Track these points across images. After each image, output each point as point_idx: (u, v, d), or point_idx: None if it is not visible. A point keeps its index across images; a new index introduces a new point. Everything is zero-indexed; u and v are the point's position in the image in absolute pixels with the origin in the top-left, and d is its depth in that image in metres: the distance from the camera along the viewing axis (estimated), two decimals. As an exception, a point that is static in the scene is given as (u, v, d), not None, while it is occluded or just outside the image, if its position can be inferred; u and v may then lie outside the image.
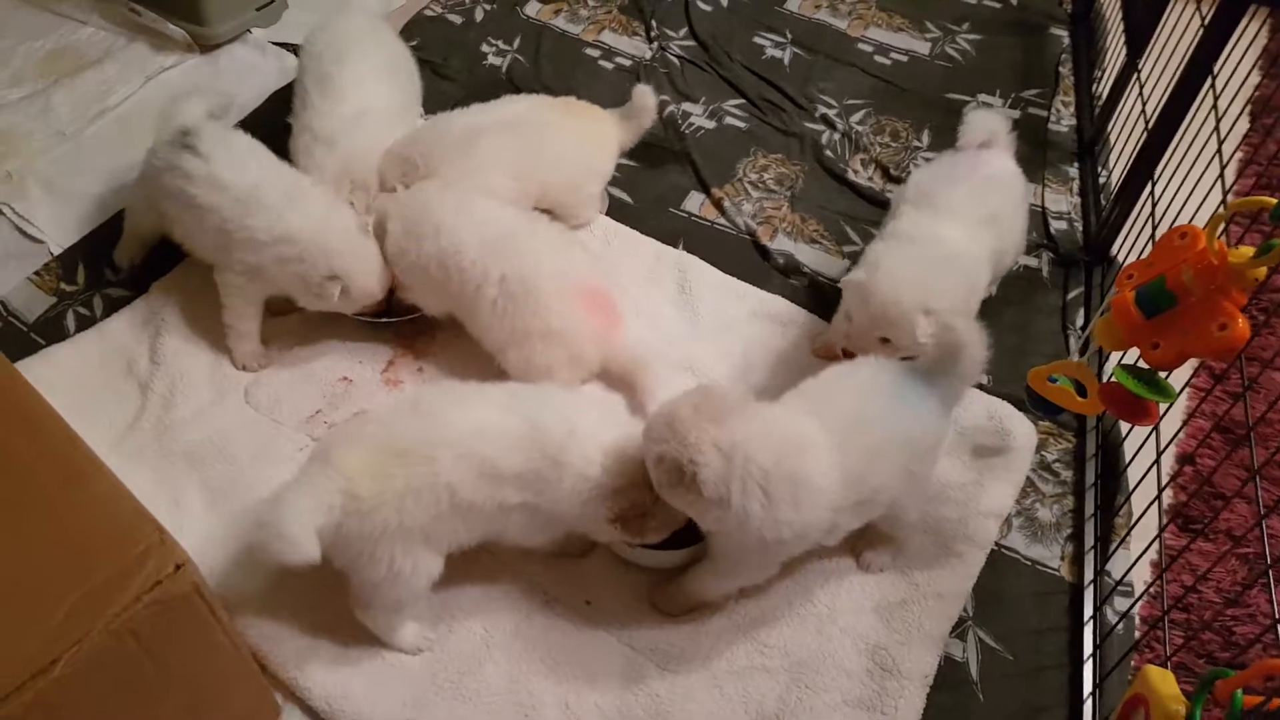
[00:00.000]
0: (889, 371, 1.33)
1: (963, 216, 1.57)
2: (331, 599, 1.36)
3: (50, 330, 1.73)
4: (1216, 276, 1.15)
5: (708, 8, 2.44)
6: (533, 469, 1.23)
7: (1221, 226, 1.17)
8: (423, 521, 1.21)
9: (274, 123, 1.96)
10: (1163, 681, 1.07)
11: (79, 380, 1.64)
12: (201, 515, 1.47)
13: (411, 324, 1.71)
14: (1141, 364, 1.27)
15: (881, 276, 1.48)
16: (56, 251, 1.85)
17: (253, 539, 1.18)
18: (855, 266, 1.57)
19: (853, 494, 1.24)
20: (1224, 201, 1.31)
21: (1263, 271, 1.14)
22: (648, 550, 1.38)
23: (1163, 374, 1.26)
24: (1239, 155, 2.02)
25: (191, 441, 1.56)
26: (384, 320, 1.70)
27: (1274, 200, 1.10)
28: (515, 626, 1.39)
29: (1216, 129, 1.46)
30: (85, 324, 1.73)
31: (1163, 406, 1.30)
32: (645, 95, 1.91)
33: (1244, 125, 2.02)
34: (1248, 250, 1.14)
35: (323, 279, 1.55)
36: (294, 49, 2.28)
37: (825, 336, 1.69)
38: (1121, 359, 1.42)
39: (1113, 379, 1.28)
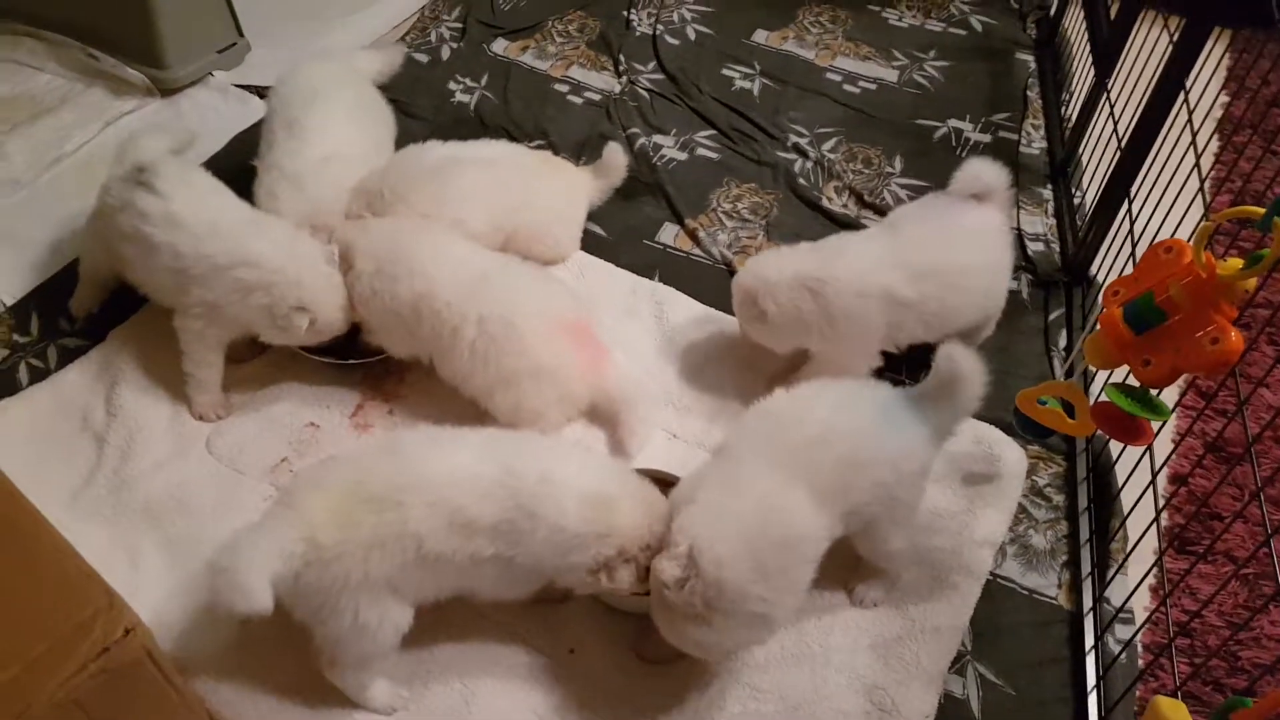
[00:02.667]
0: (873, 390, 1.31)
1: (898, 251, 1.55)
2: (299, 657, 1.29)
3: (2, 384, 1.65)
4: (1205, 290, 1.13)
5: (675, 42, 2.44)
6: (506, 519, 1.17)
7: (1207, 239, 1.15)
8: (389, 573, 1.14)
9: (237, 166, 1.91)
10: (1174, 712, 1.02)
11: (32, 435, 1.57)
12: (161, 573, 1.39)
13: (380, 366, 1.66)
14: (1132, 382, 1.24)
15: (743, 268, 1.61)
16: (9, 302, 1.78)
17: (207, 586, 1.11)
18: None
19: (836, 510, 1.21)
20: (1206, 214, 1.29)
21: (1253, 283, 1.11)
22: (633, 596, 1.32)
23: (1154, 391, 1.23)
24: (1212, 175, 2.03)
25: (150, 495, 1.49)
26: (351, 363, 1.64)
27: (1261, 209, 1.08)
28: (496, 682, 1.31)
29: (1193, 142, 1.45)
30: (39, 376, 1.66)
31: (1156, 425, 1.27)
32: (616, 153, 1.92)
33: (1214, 145, 2.04)
34: (1236, 262, 1.12)
35: (290, 309, 1.49)
36: (258, 91, 2.25)
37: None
38: (1109, 378, 1.39)
39: (1104, 398, 1.24)
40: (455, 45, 2.41)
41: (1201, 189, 1.38)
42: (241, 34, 2.30)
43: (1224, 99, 2.21)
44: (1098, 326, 1.25)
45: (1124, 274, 1.36)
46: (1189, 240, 1.18)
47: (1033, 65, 2.40)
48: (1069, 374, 1.63)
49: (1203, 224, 1.15)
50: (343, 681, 1.24)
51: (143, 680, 0.95)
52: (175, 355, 1.63)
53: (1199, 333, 1.13)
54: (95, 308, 1.75)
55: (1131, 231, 1.65)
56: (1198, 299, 1.14)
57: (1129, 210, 1.70)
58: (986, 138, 2.21)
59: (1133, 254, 1.61)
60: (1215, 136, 2.04)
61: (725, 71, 2.36)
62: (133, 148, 1.64)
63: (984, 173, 1.61)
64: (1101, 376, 1.57)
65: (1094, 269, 1.86)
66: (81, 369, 1.66)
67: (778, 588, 1.16)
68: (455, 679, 1.31)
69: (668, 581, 1.14)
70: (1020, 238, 1.98)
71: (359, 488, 1.15)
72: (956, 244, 1.58)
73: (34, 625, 0.91)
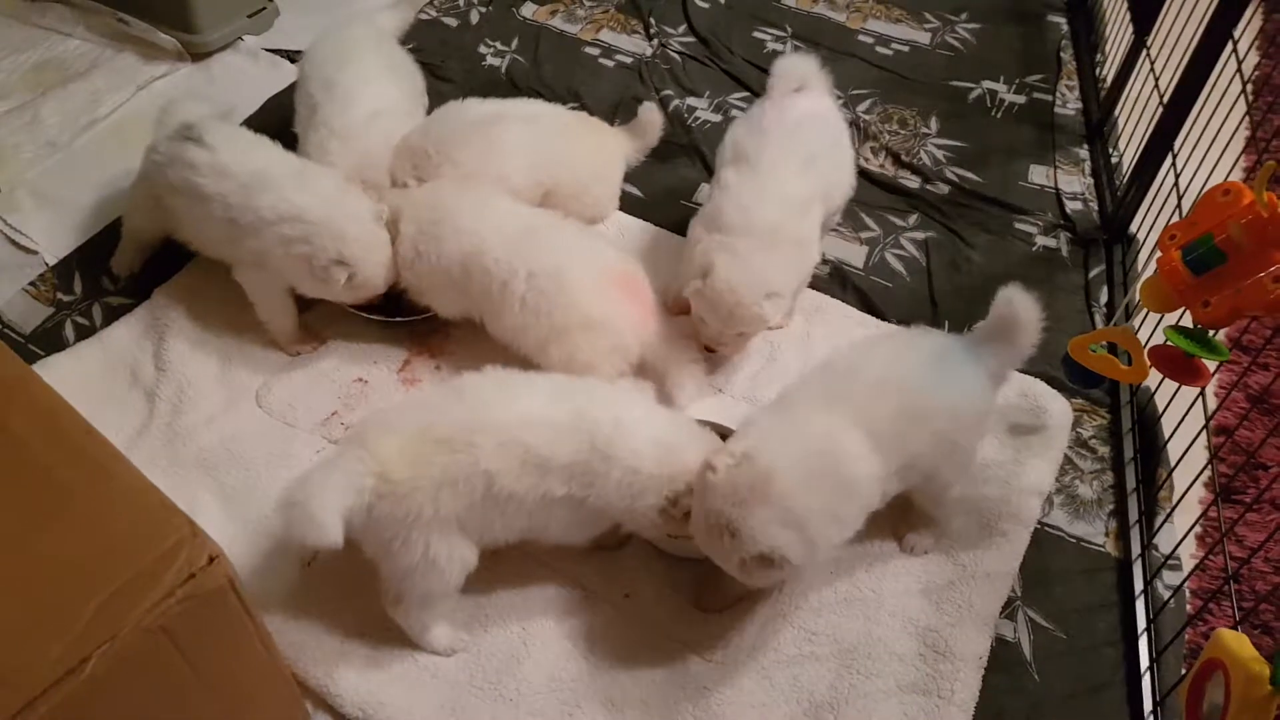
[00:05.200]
0: (929, 339, 1.31)
1: (779, 166, 1.55)
2: (359, 602, 1.31)
3: (48, 341, 1.67)
4: (1267, 229, 1.13)
5: (705, 5, 2.43)
6: (581, 461, 1.19)
7: (1269, 179, 1.15)
8: (459, 511, 1.16)
9: (270, 129, 1.90)
10: (1239, 644, 1.03)
11: (81, 390, 1.54)
12: (219, 522, 1.40)
13: (425, 323, 1.66)
14: (1187, 324, 1.25)
15: (718, 282, 1.47)
16: (51, 262, 1.80)
17: (277, 519, 1.13)
18: (689, 241, 1.60)
19: (893, 461, 1.21)
20: (1262, 157, 1.29)
21: (1313, 223, 1.11)
22: (689, 541, 1.33)
23: (1212, 333, 1.23)
24: (1244, 134, 2.02)
25: (203, 448, 1.50)
26: (397, 320, 1.65)
27: (1325, 147, 1.08)
28: (553, 624, 1.33)
29: (1244, 90, 1.45)
30: (85, 333, 1.67)
31: (1213, 366, 1.27)
32: (651, 112, 1.91)
33: (1243, 106, 2.03)
34: (1297, 202, 1.12)
35: (329, 262, 1.49)
36: (288, 55, 2.24)
37: (676, 296, 1.67)
38: (1160, 321, 1.40)
39: (1165, 341, 1.25)
40: (484, 9, 2.40)
41: (1253, 137, 1.38)
42: (271, -2, 2.30)
43: (1254, 58, 2.21)
44: (1155, 270, 1.25)
45: (1169, 226, 1.37)
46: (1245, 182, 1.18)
47: (1065, 27, 2.39)
48: (1112, 321, 1.64)
49: (1266, 164, 1.15)
50: (406, 620, 1.25)
51: (226, 609, 0.96)
52: (221, 311, 1.65)
53: (1260, 273, 1.14)
54: (138, 267, 1.76)
55: (1177, 184, 1.65)
56: (1259, 239, 1.14)
57: (1173, 164, 1.70)
58: (1021, 99, 2.20)
59: (1179, 206, 1.61)
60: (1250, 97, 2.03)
61: (756, 34, 2.35)
62: (174, 111, 1.66)
63: (796, 66, 1.65)
64: (1148, 326, 1.57)
65: (1134, 227, 1.86)
66: (128, 326, 1.67)
67: (822, 511, 1.15)
68: (514, 622, 1.33)
69: (717, 465, 1.12)
70: (1058, 197, 1.98)
71: (430, 429, 1.16)
72: (807, 132, 1.60)
73: (119, 554, 0.92)
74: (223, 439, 1.51)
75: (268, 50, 2.26)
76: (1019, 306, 1.25)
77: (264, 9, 2.30)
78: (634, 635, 1.32)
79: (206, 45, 2.22)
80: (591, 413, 1.21)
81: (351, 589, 1.31)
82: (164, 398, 1.56)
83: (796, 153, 1.57)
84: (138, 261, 1.76)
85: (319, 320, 1.68)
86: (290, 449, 1.50)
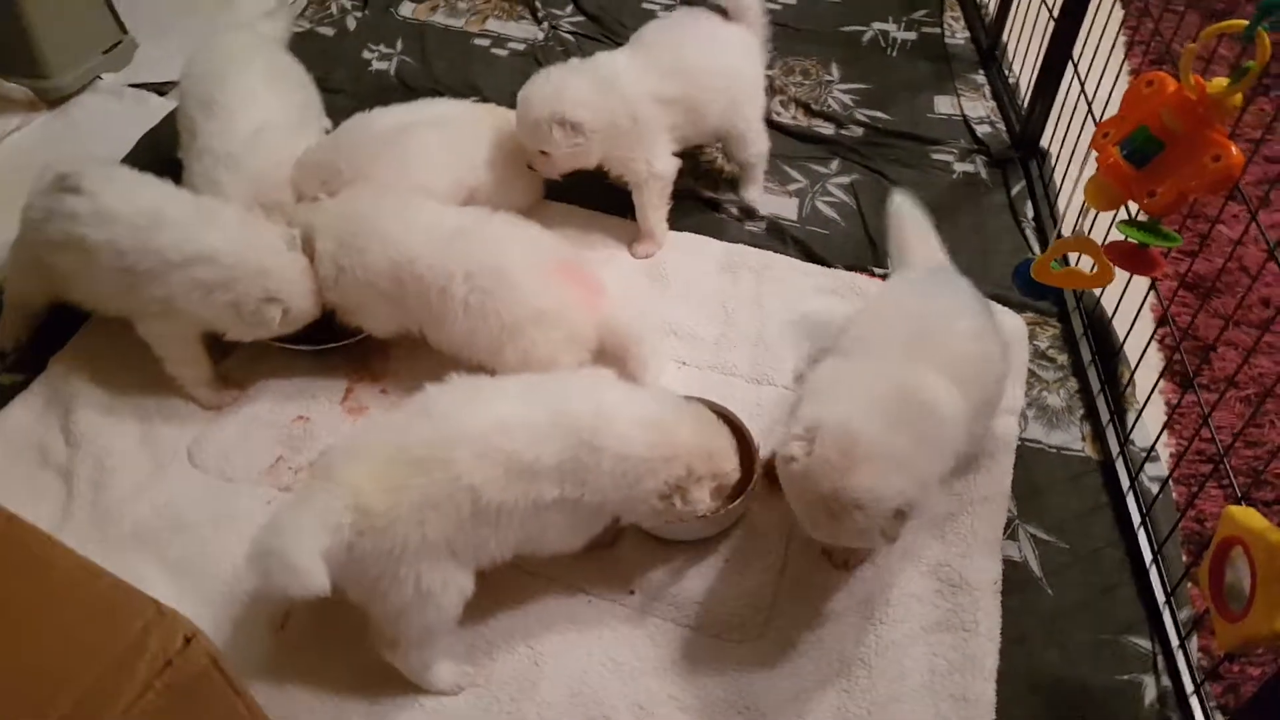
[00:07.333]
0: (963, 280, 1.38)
1: (651, 57, 1.63)
2: (347, 655, 1.20)
3: (-65, 435, 1.48)
4: (1198, 110, 1.14)
5: (587, -19, 2.37)
6: (569, 457, 1.11)
7: (1192, 61, 1.16)
8: (447, 533, 1.07)
9: (148, 167, 1.76)
10: (1249, 518, 1.04)
11: (-15, 482, 1.41)
12: (170, 597, 1.24)
13: (360, 345, 1.55)
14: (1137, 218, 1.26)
15: (524, 92, 1.59)
16: (-76, 347, 1.60)
17: (249, 574, 1.03)
18: None
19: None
20: (1144, 59, 1.31)
21: (1239, 98, 1.13)
22: (686, 524, 1.27)
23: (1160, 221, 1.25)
24: (1121, 38, 2.09)
25: (138, 521, 1.36)
26: (329, 346, 1.53)
27: (1244, 22, 1.09)
28: (562, 637, 1.25)
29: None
30: (-23, 420, 1.50)
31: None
32: None
33: (1119, 14, 2.10)
34: (1222, 81, 1.14)
35: (259, 303, 1.37)
36: (155, 89, 2.08)
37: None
38: (1095, 220, 1.42)
39: (1115, 236, 1.26)
40: (360, 14, 2.28)
41: (1156, 29, 1.40)
42: (125, 31, 2.12)
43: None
44: (1096, 171, 1.25)
45: (1078, 142, 1.38)
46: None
47: (940, -39, 2.43)
48: (1056, 231, 1.66)
49: (1188, 46, 1.16)
50: (405, 663, 1.15)
51: (212, 691, 0.85)
52: (130, 371, 1.51)
53: (1199, 155, 1.15)
54: (25, 337, 1.59)
55: (1084, 91, 1.67)
56: (1192, 121, 1.15)
57: (1076, 73, 1.72)
58: (912, 35, 2.22)
59: (1089, 112, 1.63)
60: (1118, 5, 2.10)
61: (645, 4, 2.31)
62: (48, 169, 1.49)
63: None
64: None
65: (1045, 140, 1.90)
66: (26, 404, 1.50)
67: (915, 444, 1.11)
68: (520, 643, 1.24)
69: (795, 453, 1.07)
70: (966, 123, 2.01)
71: (401, 451, 1.07)
72: (697, 44, 1.67)
73: (78, 652, 0.80)
74: (156, 508, 1.37)
75: (132, 86, 2.09)
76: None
77: (120, 42, 2.12)
78: (647, 631, 1.26)
79: (60, 89, 2.04)
80: (569, 405, 1.13)
81: (336, 643, 1.21)
82: (82, 475, 1.40)
83: (672, 55, 1.63)
84: (25, 331, 1.59)
85: (242, 364, 1.55)
86: (235, 506, 1.37)
